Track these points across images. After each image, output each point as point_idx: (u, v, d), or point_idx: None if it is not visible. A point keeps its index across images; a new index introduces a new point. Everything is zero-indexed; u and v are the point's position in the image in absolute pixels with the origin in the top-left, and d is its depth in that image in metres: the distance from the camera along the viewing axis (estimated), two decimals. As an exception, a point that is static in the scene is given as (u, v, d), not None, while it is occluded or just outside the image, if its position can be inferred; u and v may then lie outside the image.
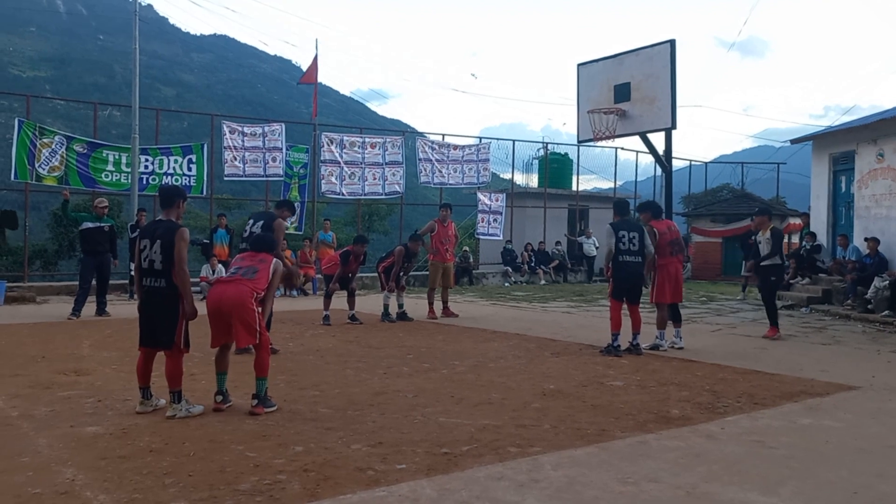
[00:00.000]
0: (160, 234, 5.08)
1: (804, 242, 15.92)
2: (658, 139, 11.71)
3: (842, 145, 14.65)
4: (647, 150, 11.98)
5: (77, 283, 12.09)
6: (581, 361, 7.56)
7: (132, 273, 14.56)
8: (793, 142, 17.04)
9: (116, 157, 16.36)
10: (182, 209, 5.47)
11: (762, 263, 9.75)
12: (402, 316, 11.41)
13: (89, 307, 11.60)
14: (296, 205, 18.71)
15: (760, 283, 10.02)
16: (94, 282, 11.75)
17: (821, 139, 15.54)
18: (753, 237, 16.75)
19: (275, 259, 5.66)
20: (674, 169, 12.40)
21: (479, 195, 21.88)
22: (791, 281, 15.05)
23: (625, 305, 8.20)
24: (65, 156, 15.62)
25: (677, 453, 4.25)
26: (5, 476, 3.65)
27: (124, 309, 12.61)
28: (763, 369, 7.13)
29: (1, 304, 12.88)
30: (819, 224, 15.70)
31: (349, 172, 19.46)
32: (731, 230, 23.86)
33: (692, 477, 3.83)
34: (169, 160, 16.97)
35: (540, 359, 7.71)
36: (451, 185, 21.70)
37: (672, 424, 4.92)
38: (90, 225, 11.60)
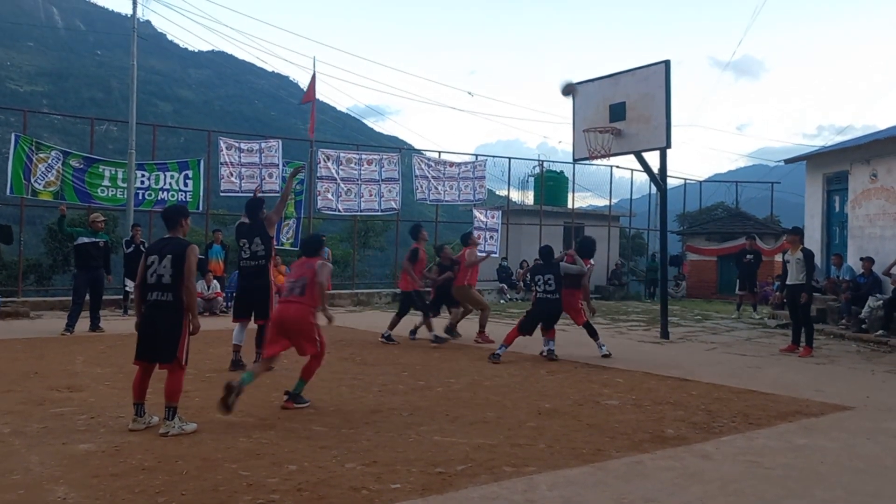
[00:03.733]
0: (170, 249, 5.22)
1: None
2: (653, 158, 11.77)
3: (835, 165, 14.73)
4: (642, 168, 12.04)
5: (71, 298, 12.04)
6: (576, 380, 7.55)
7: (127, 289, 14.65)
8: (787, 161, 17.13)
9: (113, 172, 16.35)
10: (187, 227, 5.65)
11: (791, 283, 9.98)
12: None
13: (83, 322, 11.55)
14: (292, 221, 18.81)
15: (792, 303, 10.07)
16: (87, 297, 11.68)
17: (815, 159, 15.62)
18: (749, 256, 16.92)
19: (319, 261, 6.34)
20: (669, 187, 12.47)
21: (475, 212, 21.91)
22: (785, 300, 15.07)
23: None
24: (61, 171, 15.60)
25: (673, 473, 4.24)
26: (-4, 494, 3.62)
27: (118, 325, 12.56)
28: (758, 389, 7.13)
29: (-6, 319, 12.80)
30: (813, 243, 15.74)
31: (345, 189, 19.48)
32: (726, 249, 23.93)
33: (688, 497, 3.82)
34: (165, 176, 16.97)
35: (535, 377, 7.70)
36: (447, 201, 21.74)
37: (667, 444, 4.91)
38: (85, 240, 11.58)
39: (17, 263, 16.92)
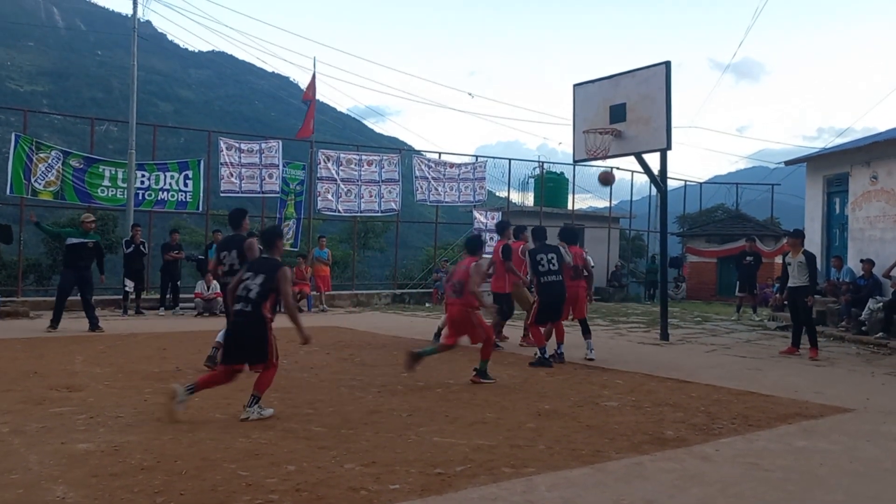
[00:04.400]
0: (265, 269, 5.75)
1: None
2: (653, 159, 11.77)
3: (836, 167, 14.74)
4: (642, 169, 12.04)
5: (70, 297, 12.03)
6: (576, 381, 7.54)
7: (126, 289, 14.65)
8: (787, 163, 17.14)
9: (113, 172, 16.35)
10: (281, 249, 6.22)
11: (793, 285, 9.93)
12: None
13: (78, 322, 11.55)
14: (291, 222, 18.80)
15: (794, 305, 10.04)
16: (80, 297, 11.68)
17: (815, 161, 15.63)
18: (749, 258, 16.92)
19: (473, 262, 7.34)
20: (669, 189, 12.47)
21: (475, 213, 21.92)
22: (785, 302, 15.07)
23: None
24: (61, 171, 15.60)
25: (673, 475, 4.23)
26: (-5, 493, 3.61)
27: (118, 325, 12.56)
28: (758, 391, 7.12)
29: (-7, 319, 12.80)
30: (813, 245, 15.74)
31: (345, 189, 19.48)
32: (726, 250, 23.93)
33: (688, 499, 3.81)
34: (165, 176, 16.97)
35: (534, 378, 7.69)
36: (447, 202, 21.74)
37: (667, 446, 4.90)
38: (75, 240, 11.56)
39: (16, 263, 16.91)
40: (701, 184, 30.17)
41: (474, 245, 7.82)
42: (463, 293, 7.26)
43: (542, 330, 8.80)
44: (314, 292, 17.12)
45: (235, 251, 7.64)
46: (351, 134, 74.01)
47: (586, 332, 9.25)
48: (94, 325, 11.54)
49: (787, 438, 5.24)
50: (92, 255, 11.71)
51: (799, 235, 10.44)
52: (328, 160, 19.32)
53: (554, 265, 8.63)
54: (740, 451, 4.85)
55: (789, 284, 10.10)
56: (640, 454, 4.66)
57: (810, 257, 10.00)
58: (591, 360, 8.88)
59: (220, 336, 7.78)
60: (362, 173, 19.76)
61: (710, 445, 4.96)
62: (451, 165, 21.68)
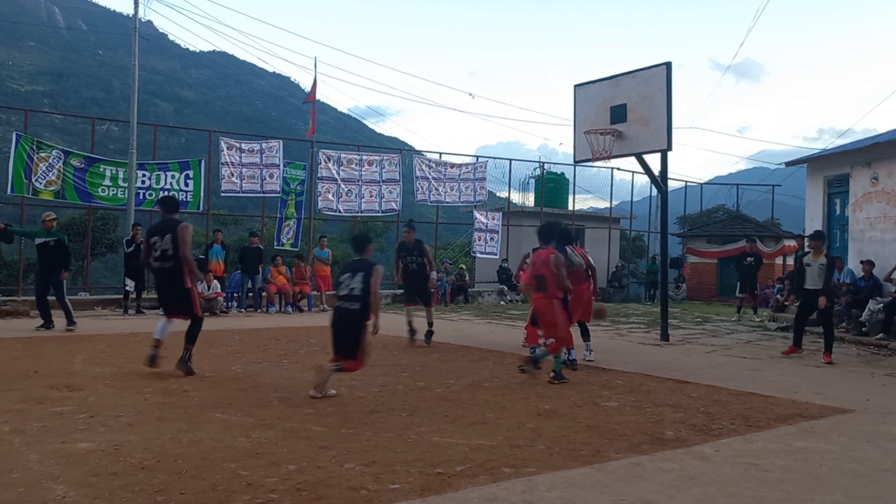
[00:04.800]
0: (361, 268, 6.55)
1: (797, 265, 15.98)
2: (654, 160, 11.78)
3: (836, 168, 14.74)
4: (642, 170, 12.05)
5: (70, 296, 12.05)
6: (576, 381, 7.54)
7: (127, 288, 14.66)
8: (788, 164, 17.14)
9: (114, 171, 16.37)
10: (371, 251, 7.00)
11: (813, 288, 9.68)
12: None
13: (79, 322, 11.55)
14: (292, 221, 18.82)
15: (810, 308, 9.81)
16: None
17: (815, 162, 15.63)
18: (750, 258, 16.92)
19: (552, 255, 7.48)
20: (669, 189, 12.48)
21: (476, 213, 21.94)
22: (786, 303, 15.08)
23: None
24: (62, 170, 15.63)
25: (672, 475, 4.23)
26: (-5, 492, 3.62)
27: (119, 324, 12.56)
28: (758, 391, 7.13)
29: (-6, 318, 12.80)
30: (814, 246, 15.76)
31: (346, 189, 19.50)
32: (727, 251, 23.94)
33: (687, 499, 3.82)
34: (166, 175, 16.99)
35: (534, 378, 7.68)
36: (447, 203, 21.77)
37: (667, 446, 4.91)
38: (40, 240, 11.50)
39: (17, 263, 16.93)
40: (701, 184, 30.21)
41: (546, 234, 7.93)
42: (547, 287, 7.48)
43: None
44: (314, 292, 17.12)
45: (169, 236, 7.31)
46: (351, 134, 74.09)
47: (586, 335, 9.18)
48: (68, 322, 11.44)
49: (786, 439, 5.24)
50: (54, 254, 11.43)
51: (821, 238, 10.09)
52: (329, 160, 19.34)
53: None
54: (740, 451, 4.85)
55: (808, 286, 9.73)
56: (639, 454, 4.66)
57: (832, 261, 9.86)
58: (590, 360, 8.83)
59: (159, 331, 7.54)
60: (363, 173, 19.78)
61: (710, 446, 4.96)
62: (452, 166, 21.69)
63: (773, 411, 6.18)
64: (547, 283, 7.47)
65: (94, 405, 5.76)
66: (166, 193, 16.89)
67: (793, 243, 22.81)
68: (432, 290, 10.46)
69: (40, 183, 15.33)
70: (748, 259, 16.90)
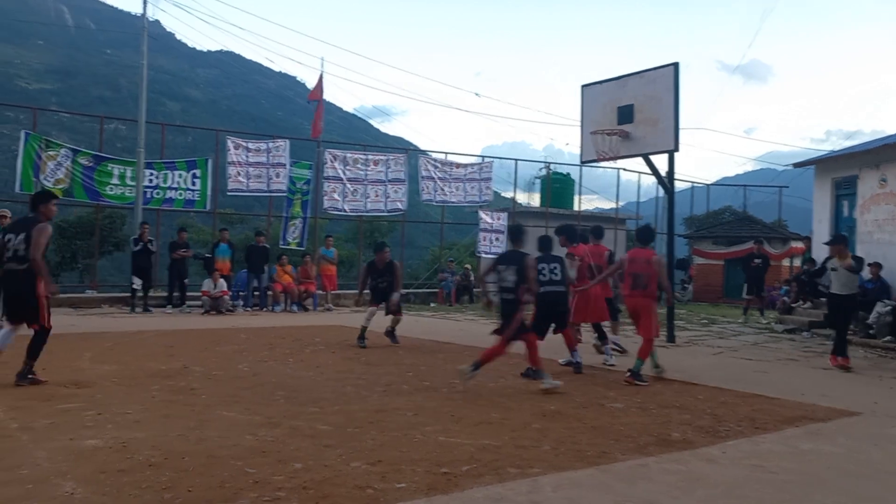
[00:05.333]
0: (516, 260, 7.16)
1: (805, 267, 15.94)
2: (660, 161, 11.77)
3: (844, 170, 14.68)
4: (649, 171, 12.03)
5: (78, 294, 12.07)
6: (581, 382, 7.54)
7: (134, 286, 14.72)
8: (795, 165, 17.10)
9: (121, 170, 16.43)
10: (525, 243, 7.47)
11: (840, 293, 9.33)
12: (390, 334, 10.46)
13: (86, 320, 11.59)
14: (298, 221, 18.86)
15: (839, 313, 9.46)
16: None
17: (823, 163, 15.58)
18: (757, 260, 16.88)
19: (655, 256, 7.85)
20: (676, 190, 12.45)
21: (481, 214, 21.93)
22: (793, 305, 15.04)
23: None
24: (70, 168, 15.69)
25: (677, 477, 4.23)
26: (4, 489, 3.64)
27: (126, 322, 12.61)
28: (764, 393, 7.11)
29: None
30: (821, 248, 15.71)
31: (352, 189, 19.52)
32: (733, 252, 23.87)
33: (692, 501, 3.82)
34: (173, 174, 17.04)
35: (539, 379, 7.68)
36: (453, 203, 21.76)
37: (673, 448, 4.90)
38: None
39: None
40: (708, 185, 30.14)
41: (648, 235, 8.26)
42: (648, 286, 7.70)
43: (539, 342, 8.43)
44: (320, 291, 17.15)
45: (23, 235, 6.58)
46: (357, 134, 74.16)
47: (603, 338, 9.18)
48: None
49: (792, 441, 5.23)
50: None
51: (838, 241, 9.67)
52: (335, 160, 19.37)
53: (556, 275, 8.11)
54: (746, 453, 4.84)
55: (835, 291, 9.39)
56: (645, 456, 4.66)
57: (860, 262, 9.60)
58: (611, 365, 8.71)
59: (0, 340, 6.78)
60: (368, 173, 19.80)
61: (716, 448, 4.96)
62: (458, 166, 21.70)
63: (779, 413, 6.17)
64: (648, 281, 7.71)
65: (101, 402, 5.79)
66: (175, 193, 16.97)
67: (800, 245, 22.76)
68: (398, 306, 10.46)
69: (49, 181, 15.38)
70: (755, 261, 16.86)
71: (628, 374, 7.48)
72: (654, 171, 11.91)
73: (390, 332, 10.42)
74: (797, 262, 22.99)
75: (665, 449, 4.85)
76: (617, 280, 9.30)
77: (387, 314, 10.40)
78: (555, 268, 8.20)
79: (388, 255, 10.59)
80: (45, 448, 4.40)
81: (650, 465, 4.47)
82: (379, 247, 10.93)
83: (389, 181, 20.03)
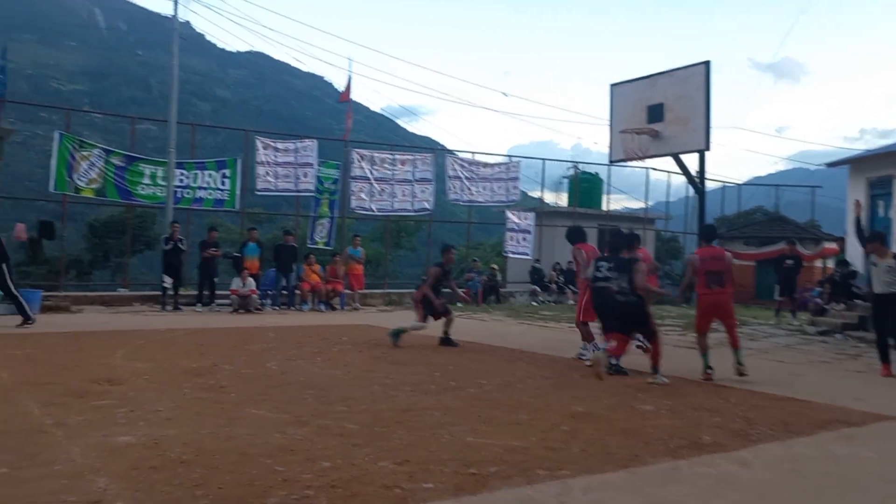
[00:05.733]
0: (626, 266, 7.70)
1: (838, 268, 15.66)
2: (691, 160, 11.66)
3: (879, 169, 14.40)
4: (679, 170, 11.92)
5: (110, 292, 12.24)
6: (611, 384, 7.47)
7: (165, 285, 14.92)
8: (829, 165, 16.81)
9: (153, 170, 16.67)
10: (637, 248, 8.14)
11: (885, 292, 8.81)
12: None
13: (118, 318, 11.75)
14: (325, 220, 18.97)
15: (885, 315, 8.94)
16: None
17: (858, 163, 15.29)
18: (789, 261, 16.60)
19: (727, 253, 8.10)
20: (706, 190, 12.31)
21: (508, 213, 21.87)
22: (826, 306, 14.78)
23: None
24: (103, 168, 15.95)
25: (709, 480, 4.18)
26: (40, 483, 3.71)
27: (157, 320, 12.79)
28: (797, 396, 6.99)
29: (37, 313, 13.11)
30: (855, 249, 15.42)
31: (379, 189, 19.59)
32: (765, 253, 23.53)
33: (724, 505, 3.76)
34: (203, 174, 17.25)
35: (569, 380, 7.65)
36: (480, 202, 21.74)
37: (704, 451, 4.84)
38: None
39: (59, 259, 17.31)
40: (739, 185, 29.77)
41: (713, 232, 8.58)
42: (726, 282, 7.95)
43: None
44: (347, 290, 17.23)
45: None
46: (385, 133, 74.42)
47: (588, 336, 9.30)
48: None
49: (826, 445, 5.13)
50: None
51: (875, 238, 9.21)
52: (362, 159, 19.46)
53: (611, 273, 8.27)
54: (778, 457, 4.76)
55: (879, 291, 8.89)
56: (676, 459, 4.60)
57: None
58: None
59: None
60: (396, 173, 19.86)
61: (748, 451, 4.88)
62: (485, 165, 21.67)
63: (812, 417, 6.06)
64: (725, 278, 7.99)
65: (133, 399, 5.87)
66: (205, 192, 17.18)
67: (833, 246, 22.37)
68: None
69: (82, 181, 15.66)
70: (787, 262, 16.60)
71: (740, 365, 7.90)
72: (685, 171, 11.79)
73: (448, 339, 10.12)
74: (830, 264, 22.60)
75: (696, 452, 4.79)
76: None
77: (436, 318, 10.24)
78: (610, 267, 8.34)
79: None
80: (79, 444, 4.47)
81: (681, 467, 4.42)
82: (447, 248, 10.76)
83: (416, 181, 20.07)
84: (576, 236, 9.39)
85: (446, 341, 10.07)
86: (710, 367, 7.93)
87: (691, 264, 8.23)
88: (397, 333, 10.00)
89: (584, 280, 8.83)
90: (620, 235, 8.41)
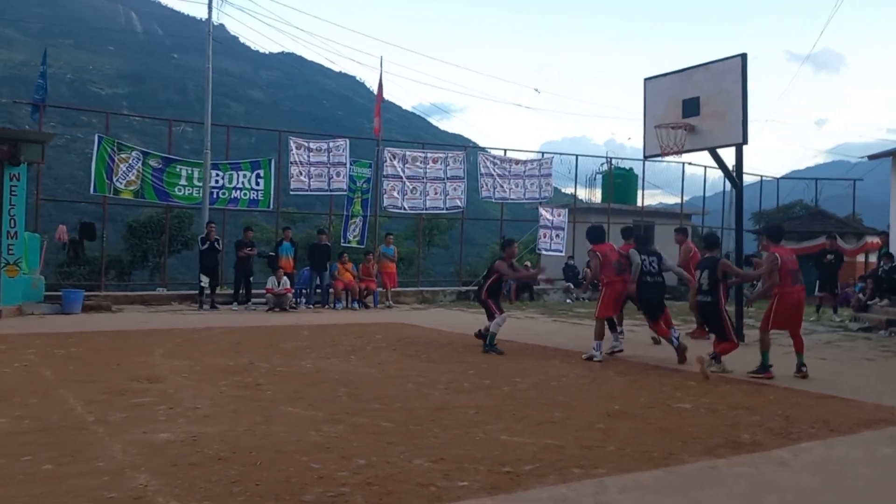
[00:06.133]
0: (707, 266, 8.05)
1: (881, 263, 15.28)
2: (728, 154, 11.44)
3: (924, 161, 14.01)
4: (716, 165, 11.72)
5: (149, 291, 12.44)
6: (646, 382, 7.40)
7: (202, 284, 15.13)
8: (870, 157, 16.41)
9: (189, 171, 16.92)
10: (719, 247, 8.51)
11: None
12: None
13: (157, 317, 11.91)
14: (358, 219, 19.09)
15: None
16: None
17: (900, 155, 14.90)
18: (830, 256, 16.24)
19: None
20: (744, 184, 12.08)
21: (541, 210, 21.75)
22: (869, 302, 14.44)
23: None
24: (141, 170, 16.23)
25: (748, 480, 4.10)
26: (83, 479, 3.79)
27: (194, 319, 12.98)
28: (839, 394, 6.84)
29: (79, 313, 13.42)
30: (897, 243, 15.03)
31: (411, 187, 19.63)
32: (805, 248, 23.04)
33: (765, 506, 3.69)
34: (238, 175, 17.45)
35: (603, 378, 7.58)
36: (512, 199, 21.65)
37: (742, 450, 4.76)
38: None
39: (99, 259, 17.67)
40: (778, 179, 29.14)
41: (781, 234, 8.59)
42: (802, 280, 8.02)
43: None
44: (380, 289, 17.30)
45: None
46: (416, 131, 74.58)
47: (613, 328, 9.56)
48: None
49: (870, 445, 5.01)
50: None
51: None
52: (394, 158, 19.51)
53: (654, 268, 8.99)
54: (820, 457, 4.66)
55: None
56: (714, 458, 4.53)
57: None
58: (619, 350, 9.35)
59: None
60: (428, 171, 19.87)
61: (788, 450, 4.78)
62: (517, 162, 21.57)
63: (855, 416, 5.92)
64: (800, 276, 8.04)
65: (172, 397, 5.97)
66: (239, 193, 17.40)
67: (876, 240, 21.81)
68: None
69: (121, 183, 15.95)
70: (828, 257, 16.24)
71: (805, 369, 7.88)
72: (722, 165, 11.59)
73: (485, 335, 9.69)
74: (872, 259, 22.06)
75: (734, 451, 4.71)
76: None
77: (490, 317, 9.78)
78: (653, 261, 9.03)
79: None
80: (120, 441, 4.56)
81: (719, 467, 4.35)
82: (509, 241, 10.32)
83: (448, 179, 20.06)
84: (591, 237, 9.48)
85: (483, 337, 9.70)
86: (771, 365, 7.85)
87: (773, 263, 7.93)
88: (492, 342, 9.30)
89: (608, 277, 9.02)
90: (709, 237, 8.96)
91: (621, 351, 9.39)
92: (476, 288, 10.03)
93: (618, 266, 9.03)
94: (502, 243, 10.84)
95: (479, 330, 10.00)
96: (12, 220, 12.85)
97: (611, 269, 9.00)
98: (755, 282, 8.99)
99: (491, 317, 9.51)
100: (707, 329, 9.53)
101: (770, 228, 8.92)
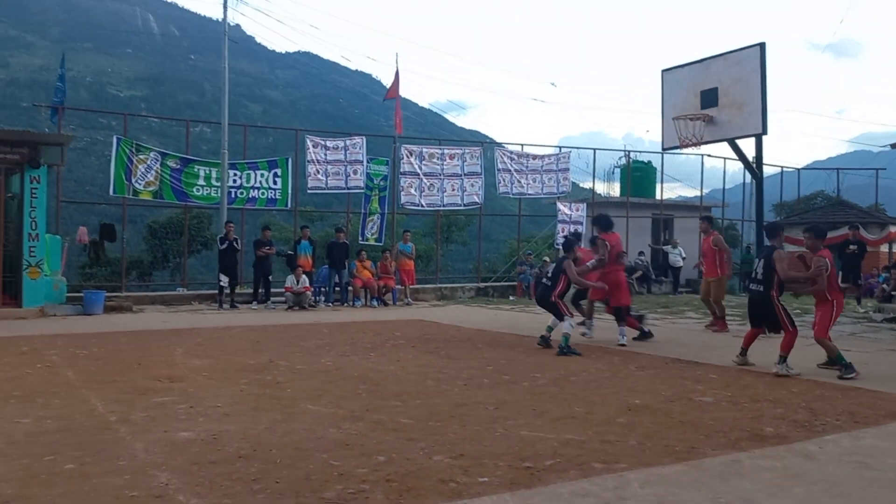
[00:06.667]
0: (763, 255, 7.72)
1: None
2: (748, 145, 11.34)
3: (949, 148, 13.76)
4: (735, 156, 11.61)
5: (169, 292, 12.53)
6: (668, 376, 7.33)
7: (222, 284, 15.23)
8: (893, 146, 16.13)
9: (207, 171, 17.02)
10: (783, 238, 8.18)
11: None
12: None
13: (177, 316, 11.99)
14: (376, 216, 19.12)
15: None
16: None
17: (925, 142, 14.64)
18: (853, 246, 16.03)
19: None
20: (764, 175, 11.95)
21: (559, 205, 21.66)
22: (893, 292, 14.22)
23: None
24: (159, 171, 16.35)
25: (773, 473, 4.04)
26: (105, 478, 3.81)
27: (214, 318, 13.07)
28: (865, 386, 6.74)
29: (100, 313, 13.55)
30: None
31: (428, 184, 19.62)
32: (827, 239, 22.76)
33: (790, 499, 3.63)
34: (256, 174, 17.54)
35: (624, 372, 7.53)
36: (530, 195, 21.58)
37: (766, 443, 4.69)
38: None
39: (120, 260, 17.84)
40: (799, 170, 28.78)
41: (825, 233, 8.32)
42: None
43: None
44: (399, 286, 17.32)
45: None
46: (433, 128, 74.53)
47: (621, 320, 9.69)
48: None
49: (898, 437, 4.92)
50: None
51: None
52: (411, 155, 19.51)
53: (757, 274, 7.82)
54: (846, 449, 4.59)
55: None
56: (737, 451, 4.48)
57: None
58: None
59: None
60: (445, 167, 19.85)
61: (813, 443, 4.71)
62: (534, 157, 21.49)
63: (882, 407, 5.83)
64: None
65: (193, 396, 6.00)
66: (257, 192, 17.49)
67: (899, 230, 21.51)
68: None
69: (139, 184, 16.09)
70: (851, 247, 16.04)
71: (838, 368, 7.41)
72: (741, 156, 11.48)
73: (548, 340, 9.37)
74: (897, 248, 21.74)
75: (758, 444, 4.65)
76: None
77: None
78: (757, 265, 7.93)
79: None
80: (141, 440, 4.59)
81: (743, 460, 4.29)
82: (572, 242, 9.68)
83: (465, 175, 20.03)
84: (602, 225, 9.96)
85: (547, 343, 9.30)
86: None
87: (822, 266, 7.62)
88: (567, 344, 8.79)
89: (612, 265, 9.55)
90: (771, 226, 8.69)
91: (591, 337, 10.05)
92: (541, 289, 9.54)
93: (619, 255, 9.79)
94: (566, 245, 9.76)
95: (543, 335, 9.42)
96: (33, 223, 13.01)
97: (616, 258, 9.69)
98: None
99: (561, 318, 9.17)
100: (724, 321, 9.61)
101: (816, 228, 8.13)
